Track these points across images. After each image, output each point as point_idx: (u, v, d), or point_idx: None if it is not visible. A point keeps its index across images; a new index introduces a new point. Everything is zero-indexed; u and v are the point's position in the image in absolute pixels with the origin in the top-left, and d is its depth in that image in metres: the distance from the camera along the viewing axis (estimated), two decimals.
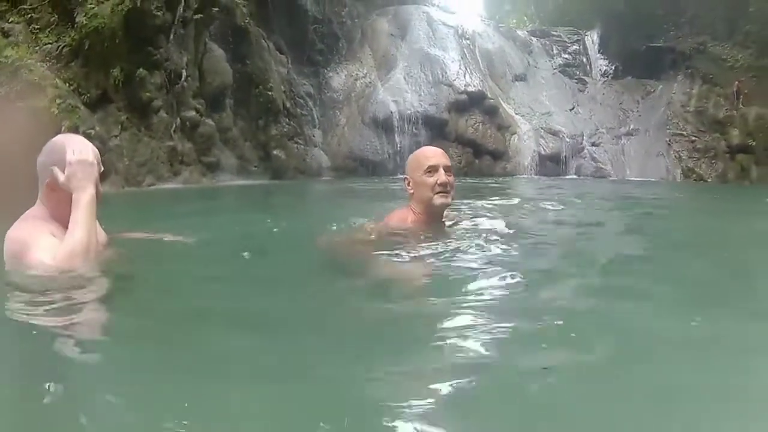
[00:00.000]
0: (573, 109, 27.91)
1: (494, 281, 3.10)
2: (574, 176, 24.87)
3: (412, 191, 3.81)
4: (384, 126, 23.83)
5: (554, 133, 25.92)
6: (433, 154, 3.82)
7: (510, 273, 3.19)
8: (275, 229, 5.64)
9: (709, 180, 24.84)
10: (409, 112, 23.97)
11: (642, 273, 3.79)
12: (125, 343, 2.20)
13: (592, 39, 31.14)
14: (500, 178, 21.61)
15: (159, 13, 15.09)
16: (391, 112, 23.93)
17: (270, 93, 20.16)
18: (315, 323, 2.61)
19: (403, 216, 3.88)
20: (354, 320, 2.63)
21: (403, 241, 3.68)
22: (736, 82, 25.76)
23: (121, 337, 2.27)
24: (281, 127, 21.01)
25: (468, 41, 28.40)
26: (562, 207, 8.91)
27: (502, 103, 26.43)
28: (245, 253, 3.82)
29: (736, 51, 27.13)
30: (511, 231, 4.42)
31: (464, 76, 25.73)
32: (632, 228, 6.93)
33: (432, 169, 3.70)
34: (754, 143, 24.72)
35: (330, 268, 3.69)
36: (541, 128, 25.98)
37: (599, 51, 30.84)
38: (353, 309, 2.80)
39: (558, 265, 3.82)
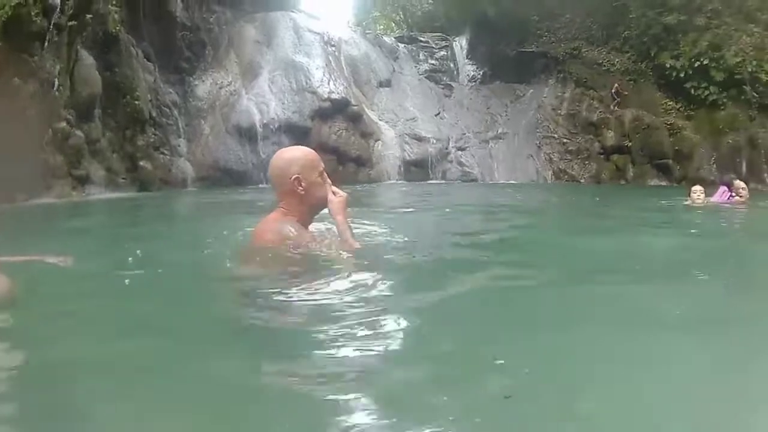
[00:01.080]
0: (439, 114, 29.68)
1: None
2: (441, 181, 26.65)
3: (303, 192, 4.03)
4: (247, 135, 24.74)
5: (419, 139, 27.56)
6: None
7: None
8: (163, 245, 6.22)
9: (582, 181, 27.41)
10: (272, 120, 25.01)
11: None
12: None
13: (460, 45, 33.26)
14: (365, 185, 22.92)
15: (37, 19, 15.82)
16: (255, 121, 24.92)
17: (137, 102, 21.10)
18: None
19: (280, 218, 4.07)
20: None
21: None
22: (616, 84, 28.54)
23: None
24: (147, 137, 21.99)
25: (334, 48, 29.69)
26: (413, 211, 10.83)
27: (366, 109, 27.90)
28: (126, 280, 4.06)
29: (613, 55, 30.02)
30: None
31: (328, 83, 26.91)
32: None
33: (323, 171, 4.17)
34: (630, 144, 27.50)
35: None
36: (406, 134, 27.58)
37: (467, 56, 32.99)
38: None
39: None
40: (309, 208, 4.14)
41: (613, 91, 28.54)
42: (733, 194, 13.78)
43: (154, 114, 22.67)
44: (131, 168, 20.91)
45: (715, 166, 26.63)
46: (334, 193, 4.16)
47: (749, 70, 26.34)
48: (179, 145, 24.07)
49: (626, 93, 28.53)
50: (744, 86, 26.47)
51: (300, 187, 4.01)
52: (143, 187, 20.85)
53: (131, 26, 22.23)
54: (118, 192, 19.38)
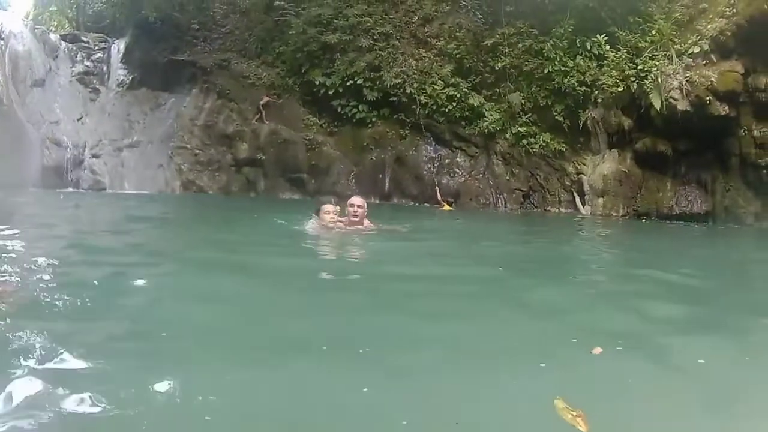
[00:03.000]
0: (81, 118, 29.89)
1: None
2: (74, 189, 26.85)
3: None
4: None
5: (58, 144, 27.79)
6: None
7: None
8: None
9: (211, 192, 28.40)
10: None
11: None
12: None
13: (118, 48, 33.60)
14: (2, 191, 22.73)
15: None
16: None
17: None
18: None
19: None
20: None
21: None
22: (266, 98, 29.52)
23: None
24: None
25: (2, 41, 29.63)
26: None
27: (17, 110, 27.92)
28: None
29: (262, 69, 31.07)
30: None
31: None
32: None
33: None
34: (264, 157, 28.56)
35: None
36: (48, 138, 27.69)
37: (122, 60, 33.34)
38: None
39: None
40: None
41: (262, 103, 29.34)
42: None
43: None
44: None
45: (354, 181, 28.18)
46: None
47: (408, 91, 27.82)
48: None
49: (275, 102, 29.65)
50: (397, 107, 28.31)
51: None
52: None
53: None
54: None
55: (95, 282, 6.14)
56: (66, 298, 5.21)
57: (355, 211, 11.51)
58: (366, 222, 11.80)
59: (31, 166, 26.38)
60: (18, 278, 5.85)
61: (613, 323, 5.46)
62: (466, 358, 4.10)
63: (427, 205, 26.46)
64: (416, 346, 4.27)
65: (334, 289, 6.66)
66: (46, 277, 6.20)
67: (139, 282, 6.25)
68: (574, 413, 3.20)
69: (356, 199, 11.79)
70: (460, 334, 4.72)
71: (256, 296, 5.76)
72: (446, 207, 25.35)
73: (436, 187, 26.62)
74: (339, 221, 11.44)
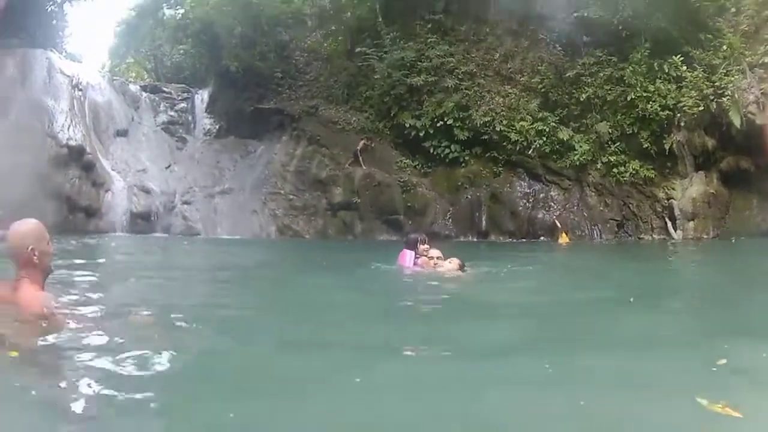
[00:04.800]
0: (169, 167, 30.18)
1: None
2: (165, 234, 26.87)
3: (37, 261, 4.71)
4: None
5: (147, 191, 27.93)
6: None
7: None
8: None
9: (307, 236, 27.99)
10: (8, 164, 23.75)
11: None
12: None
13: (202, 97, 34.16)
14: (93, 236, 23.31)
15: None
16: None
17: None
18: None
19: (32, 287, 4.70)
20: None
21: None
22: (362, 142, 29.28)
23: None
24: None
25: (80, 92, 29.87)
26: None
27: (100, 158, 28.10)
28: None
29: (351, 114, 30.99)
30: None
31: (68, 129, 26.76)
32: None
33: (49, 240, 4.85)
34: (359, 200, 28.23)
35: None
36: (135, 186, 27.84)
37: (206, 110, 33.86)
38: None
39: None
40: (43, 274, 4.84)
41: (359, 148, 29.06)
42: (417, 256, 12.09)
43: None
44: None
45: (451, 220, 28.01)
46: None
47: (498, 129, 27.74)
48: None
49: (370, 146, 29.41)
50: (488, 145, 28.19)
51: (35, 257, 4.68)
52: None
53: None
54: None
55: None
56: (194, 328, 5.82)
57: (435, 263, 11.75)
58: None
59: (118, 212, 26.82)
60: (152, 311, 6.44)
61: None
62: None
63: (524, 240, 26.33)
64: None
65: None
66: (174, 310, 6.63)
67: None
68: (721, 405, 3.38)
69: (435, 252, 12.04)
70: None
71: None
72: (564, 239, 25.01)
73: (554, 220, 26.32)
74: (437, 264, 11.61)
